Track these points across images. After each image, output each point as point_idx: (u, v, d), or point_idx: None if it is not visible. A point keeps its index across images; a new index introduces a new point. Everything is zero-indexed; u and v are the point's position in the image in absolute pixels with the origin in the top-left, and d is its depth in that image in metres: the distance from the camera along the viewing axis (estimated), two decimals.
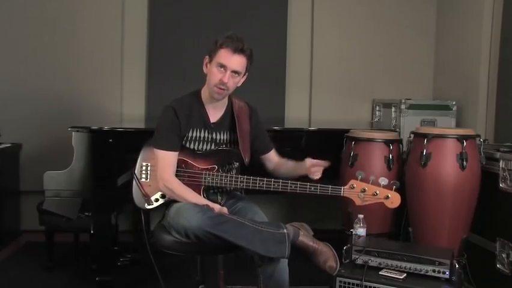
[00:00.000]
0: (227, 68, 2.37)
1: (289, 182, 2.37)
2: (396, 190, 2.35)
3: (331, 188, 2.36)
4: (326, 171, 2.48)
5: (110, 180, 3.06)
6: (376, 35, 4.36)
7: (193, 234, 2.26)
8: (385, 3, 4.36)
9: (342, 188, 2.36)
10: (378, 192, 2.33)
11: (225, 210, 2.39)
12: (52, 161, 3.48)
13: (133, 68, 4.19)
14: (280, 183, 2.37)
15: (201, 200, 2.41)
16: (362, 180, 2.36)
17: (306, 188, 2.36)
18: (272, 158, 2.66)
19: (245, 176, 2.44)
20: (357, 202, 2.36)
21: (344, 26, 4.35)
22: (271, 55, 4.26)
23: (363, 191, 2.34)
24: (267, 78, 4.21)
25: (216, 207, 2.38)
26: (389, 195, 2.33)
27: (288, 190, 2.37)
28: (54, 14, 4.10)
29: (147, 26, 4.21)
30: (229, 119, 2.54)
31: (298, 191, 2.36)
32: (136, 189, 2.50)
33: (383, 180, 2.33)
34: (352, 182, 2.36)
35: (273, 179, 2.38)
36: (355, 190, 2.35)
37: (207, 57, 2.43)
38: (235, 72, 2.39)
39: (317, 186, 2.35)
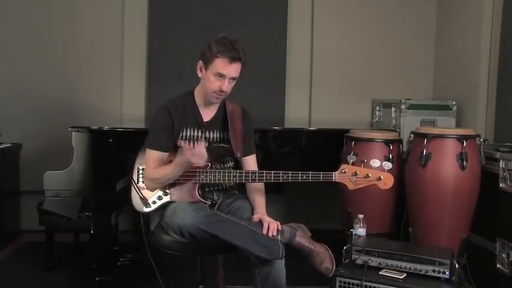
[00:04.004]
0: (225, 76, 2.38)
1: (281, 172, 2.37)
2: (389, 171, 2.34)
3: (322, 174, 2.36)
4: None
5: (110, 180, 3.06)
6: (376, 35, 4.36)
7: (187, 232, 2.27)
8: (385, 3, 4.36)
9: (334, 173, 2.35)
10: (370, 174, 2.31)
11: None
12: (52, 161, 3.48)
13: (133, 68, 4.19)
14: (272, 175, 2.38)
15: (173, 164, 2.38)
16: (353, 164, 2.36)
17: (298, 176, 2.36)
18: (249, 163, 2.59)
19: (238, 171, 2.47)
20: (350, 186, 2.35)
21: (343, 26, 4.35)
22: (271, 55, 4.26)
23: (355, 174, 2.32)
24: (267, 78, 4.22)
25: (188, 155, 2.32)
26: (382, 177, 2.31)
27: (281, 180, 2.38)
28: (54, 14, 4.10)
29: (147, 26, 4.21)
30: (222, 119, 2.55)
31: (290, 180, 2.37)
32: (134, 193, 2.51)
33: (375, 162, 2.31)
34: (343, 166, 2.35)
35: (264, 171, 2.40)
36: (346, 174, 2.34)
37: (201, 62, 2.42)
38: (232, 78, 2.41)
39: (309, 173, 2.35)
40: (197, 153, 2.30)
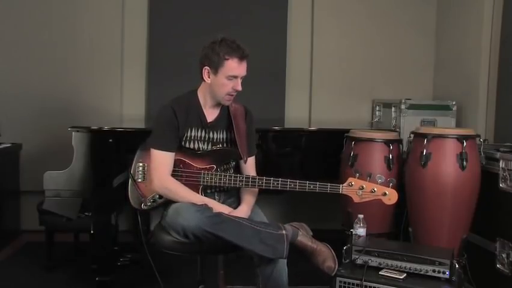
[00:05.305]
0: (237, 77, 2.40)
1: (289, 180, 2.38)
2: (393, 187, 2.38)
3: (330, 185, 2.39)
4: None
5: (110, 180, 3.06)
6: (376, 35, 4.36)
7: (191, 233, 2.26)
8: (385, 3, 4.36)
9: (341, 185, 2.39)
10: (376, 189, 2.37)
11: (223, 209, 2.40)
12: (52, 161, 3.47)
13: (133, 68, 4.19)
14: (280, 182, 2.38)
15: (198, 197, 2.41)
16: (359, 178, 2.39)
17: (305, 186, 2.37)
18: (249, 164, 2.58)
19: (244, 175, 2.46)
20: (356, 199, 2.40)
21: (343, 26, 4.35)
22: (271, 55, 4.26)
23: (362, 188, 2.38)
24: (267, 79, 4.22)
25: (215, 206, 2.39)
26: (387, 192, 2.37)
27: (288, 188, 2.39)
28: (54, 14, 4.10)
29: (147, 26, 4.21)
30: (226, 119, 2.55)
31: (297, 189, 2.38)
32: (132, 190, 2.50)
33: (380, 178, 2.38)
34: (350, 179, 2.40)
35: (272, 178, 2.39)
36: (353, 188, 2.39)
37: (207, 67, 2.41)
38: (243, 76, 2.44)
39: (316, 184, 2.37)
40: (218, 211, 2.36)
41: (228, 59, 2.36)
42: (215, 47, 2.37)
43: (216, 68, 2.38)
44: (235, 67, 2.37)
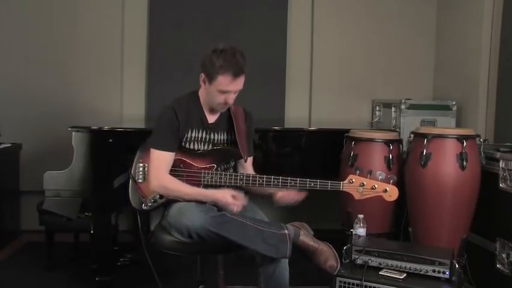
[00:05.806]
0: (230, 91, 2.37)
1: (289, 178, 2.38)
2: (393, 184, 2.38)
3: (330, 183, 2.39)
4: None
5: (110, 180, 3.06)
6: (376, 35, 4.36)
7: (196, 234, 2.26)
8: (385, 3, 4.36)
9: (342, 182, 2.39)
10: (376, 186, 2.37)
11: (228, 193, 2.38)
12: (52, 161, 3.47)
13: (133, 68, 4.19)
14: (280, 180, 2.38)
15: (197, 191, 2.40)
16: (360, 175, 2.39)
17: (306, 184, 2.37)
18: (248, 164, 2.59)
19: (245, 174, 2.46)
20: (356, 196, 2.39)
21: (344, 26, 4.35)
22: (271, 55, 4.26)
23: (362, 185, 2.38)
24: (267, 78, 4.22)
25: (217, 195, 2.37)
26: (387, 189, 2.37)
27: (288, 186, 2.39)
28: (54, 14, 4.11)
29: (147, 26, 4.21)
30: (226, 120, 2.55)
31: (298, 187, 2.38)
32: (132, 190, 2.50)
33: (381, 175, 2.38)
34: (351, 176, 2.40)
35: (272, 176, 2.39)
36: (354, 184, 2.38)
37: (203, 75, 2.39)
38: (237, 91, 2.41)
39: (317, 181, 2.37)
40: (237, 204, 2.32)
41: (220, 74, 2.32)
42: (213, 58, 2.32)
43: (209, 78, 2.37)
44: (227, 83, 2.33)
